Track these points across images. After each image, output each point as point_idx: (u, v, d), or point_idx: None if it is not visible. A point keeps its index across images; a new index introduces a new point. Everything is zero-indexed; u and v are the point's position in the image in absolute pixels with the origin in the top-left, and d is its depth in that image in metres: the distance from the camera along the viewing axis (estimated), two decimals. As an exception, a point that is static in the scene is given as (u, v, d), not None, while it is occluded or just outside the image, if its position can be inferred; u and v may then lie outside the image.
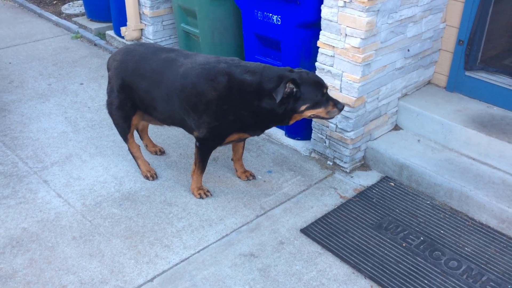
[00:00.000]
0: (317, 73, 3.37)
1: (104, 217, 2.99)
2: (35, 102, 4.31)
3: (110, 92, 3.17)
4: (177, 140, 3.78)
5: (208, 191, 3.18)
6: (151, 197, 3.16)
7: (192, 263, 2.66)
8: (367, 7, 2.91)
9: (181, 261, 2.67)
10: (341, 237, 2.85)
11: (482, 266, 2.63)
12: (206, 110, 2.81)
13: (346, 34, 3.08)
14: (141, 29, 4.82)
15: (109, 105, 3.21)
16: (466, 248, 2.75)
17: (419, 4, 3.25)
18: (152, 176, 3.31)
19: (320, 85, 2.76)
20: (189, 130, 3.04)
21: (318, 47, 3.29)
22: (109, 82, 3.18)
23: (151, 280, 2.56)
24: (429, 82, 3.77)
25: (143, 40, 4.84)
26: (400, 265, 2.65)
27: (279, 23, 3.47)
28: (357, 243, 2.80)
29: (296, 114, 2.78)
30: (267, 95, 2.70)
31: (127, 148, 3.36)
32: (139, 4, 4.73)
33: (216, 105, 2.78)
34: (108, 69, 3.19)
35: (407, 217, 2.99)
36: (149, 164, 3.38)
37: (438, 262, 2.66)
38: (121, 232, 2.87)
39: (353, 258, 2.70)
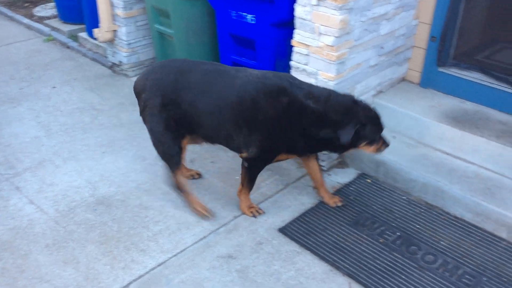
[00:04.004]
0: (293, 72, 3.36)
1: (78, 223, 2.93)
2: (6, 106, 4.21)
3: (150, 116, 2.79)
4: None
5: (260, 208, 3.01)
6: (127, 201, 3.11)
7: (169, 266, 2.63)
8: (340, 5, 2.92)
9: (158, 265, 2.63)
10: (319, 235, 2.85)
11: (458, 259, 2.66)
12: (261, 127, 2.66)
13: (320, 33, 3.08)
14: (114, 31, 4.74)
15: (153, 132, 2.83)
16: (442, 242, 2.78)
17: (391, 1, 3.27)
18: (209, 213, 2.95)
19: (381, 126, 2.76)
20: (235, 149, 2.84)
21: (293, 46, 3.28)
22: (145, 105, 2.80)
23: (127, 285, 2.52)
24: (403, 79, 3.80)
25: (116, 41, 4.77)
26: (378, 261, 2.66)
27: (254, 22, 3.46)
28: (335, 240, 2.81)
29: (352, 148, 2.75)
30: (329, 126, 2.62)
31: (172, 182, 2.92)
32: (112, 5, 4.65)
33: (272, 123, 2.64)
34: (140, 92, 2.83)
35: (384, 213, 3.01)
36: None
37: (414, 257, 2.68)
38: (96, 238, 2.82)
39: (331, 255, 2.70)
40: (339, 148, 2.77)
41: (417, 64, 3.69)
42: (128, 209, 3.05)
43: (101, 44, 5.05)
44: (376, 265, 2.64)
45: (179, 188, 2.94)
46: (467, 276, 2.56)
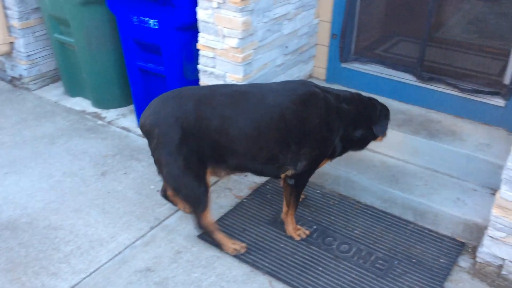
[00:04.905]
0: (201, 75, 3.35)
1: (-21, 252, 2.71)
2: None
3: (167, 156, 2.44)
4: (59, 158, 3.55)
5: (306, 229, 2.86)
6: (34, 223, 2.92)
7: None
8: (240, 7, 2.94)
9: (71, 288, 2.51)
10: (239, 237, 2.85)
11: (371, 246, 2.78)
12: (310, 138, 2.55)
13: (224, 35, 3.09)
14: (11, 43, 4.45)
15: (172, 176, 2.50)
16: (355, 231, 2.89)
17: (291, 1, 3.35)
18: (242, 247, 2.72)
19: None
20: (272, 172, 2.65)
21: (199, 50, 3.26)
22: (159, 143, 2.45)
23: (38, 313, 2.37)
24: (310, 76, 3.91)
25: (14, 53, 4.48)
26: (296, 256, 2.71)
27: (157, 27, 3.39)
28: (254, 241, 2.82)
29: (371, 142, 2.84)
30: (363, 124, 2.70)
31: (200, 225, 2.66)
32: (6, 16, 4.36)
33: (318, 131, 2.56)
34: (152, 129, 2.46)
35: (300, 208, 3.06)
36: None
37: (330, 248, 2.76)
38: (1, 265, 2.62)
39: (251, 256, 2.71)
40: (365, 144, 2.83)
41: (321, 61, 3.82)
42: (36, 232, 2.86)
43: (-3, 57, 4.72)
44: (295, 260, 2.69)
45: (207, 230, 2.69)
46: (379, 261, 2.68)
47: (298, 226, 2.87)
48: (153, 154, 2.53)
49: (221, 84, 2.73)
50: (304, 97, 2.55)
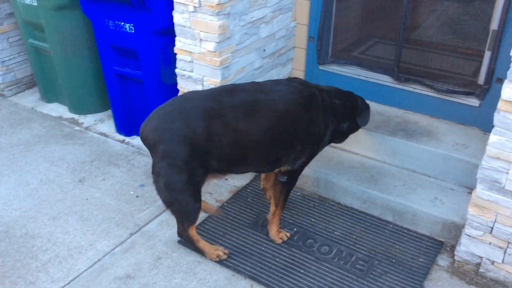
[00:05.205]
0: (179, 79, 3.33)
1: (-47, 264, 2.65)
2: None
3: (168, 168, 2.39)
4: (36, 165, 3.49)
5: (287, 231, 2.87)
6: (10, 232, 2.87)
7: (62, 297, 2.47)
8: (216, 11, 2.93)
9: (49, 297, 2.47)
10: (220, 241, 2.84)
11: (351, 247, 2.80)
12: (313, 137, 2.64)
13: (201, 39, 3.08)
14: (-15, 48, 4.38)
15: (169, 188, 2.44)
16: (335, 232, 2.91)
17: (268, 5, 3.36)
18: (225, 253, 2.71)
19: None
20: (270, 170, 2.69)
21: (176, 54, 3.24)
22: (163, 157, 2.40)
23: (15, 324, 2.33)
24: (289, 79, 3.93)
25: (-12, 60, 4.41)
26: (277, 259, 2.71)
27: (133, 32, 3.36)
28: (236, 244, 2.82)
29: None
30: (349, 116, 2.80)
31: (182, 235, 2.66)
32: (-22, 21, 4.28)
33: (320, 130, 2.65)
34: (156, 144, 2.41)
35: (281, 211, 3.08)
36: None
37: (311, 250, 2.77)
38: (-24, 278, 2.57)
39: (232, 260, 2.71)
40: (346, 135, 2.91)
41: (300, 64, 3.84)
42: (13, 240, 2.81)
43: (-30, 63, 4.62)
44: (276, 263, 2.69)
45: (192, 239, 2.68)
46: (360, 262, 2.70)
47: (280, 229, 2.88)
48: (154, 166, 2.49)
49: (223, 88, 2.64)
50: (309, 99, 2.62)
